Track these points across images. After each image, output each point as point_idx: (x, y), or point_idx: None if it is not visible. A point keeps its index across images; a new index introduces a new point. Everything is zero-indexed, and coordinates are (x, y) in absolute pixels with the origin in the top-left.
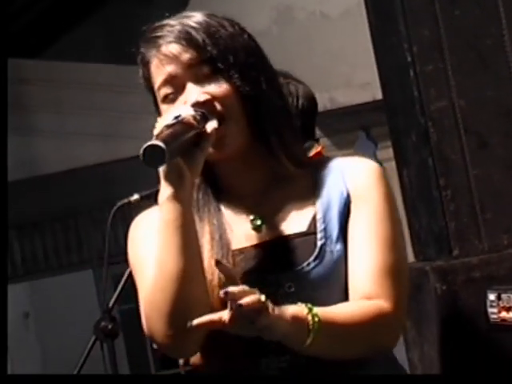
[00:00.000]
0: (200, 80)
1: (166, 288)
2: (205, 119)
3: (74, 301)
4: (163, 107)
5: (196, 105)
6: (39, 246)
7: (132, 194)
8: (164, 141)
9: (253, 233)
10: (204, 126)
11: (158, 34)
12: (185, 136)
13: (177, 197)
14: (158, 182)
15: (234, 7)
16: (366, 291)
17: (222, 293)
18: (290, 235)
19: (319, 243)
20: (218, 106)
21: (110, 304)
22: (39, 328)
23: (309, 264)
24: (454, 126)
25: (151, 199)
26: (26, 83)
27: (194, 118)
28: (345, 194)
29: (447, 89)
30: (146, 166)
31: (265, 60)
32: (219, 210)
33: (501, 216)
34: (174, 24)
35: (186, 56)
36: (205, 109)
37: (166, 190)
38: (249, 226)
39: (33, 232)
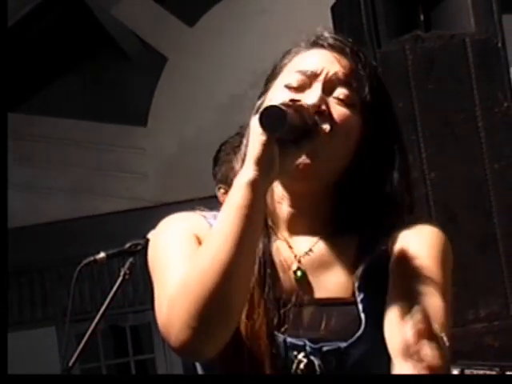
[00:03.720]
0: (335, 96)
1: (209, 275)
2: (318, 120)
3: (34, 357)
4: (282, 89)
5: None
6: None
7: (98, 252)
8: (287, 110)
9: (294, 284)
10: (315, 124)
11: (326, 35)
12: (295, 123)
13: (257, 184)
14: (126, 241)
15: (210, 70)
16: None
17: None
18: (330, 298)
19: (362, 316)
20: (328, 127)
21: (71, 363)
22: None
23: (350, 343)
24: (424, 198)
25: (117, 257)
26: None
27: (310, 113)
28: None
29: (419, 160)
30: (261, 125)
31: (395, 119)
32: (272, 241)
33: (468, 291)
34: (342, 38)
35: (344, 68)
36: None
37: (248, 173)
38: (291, 274)
39: None
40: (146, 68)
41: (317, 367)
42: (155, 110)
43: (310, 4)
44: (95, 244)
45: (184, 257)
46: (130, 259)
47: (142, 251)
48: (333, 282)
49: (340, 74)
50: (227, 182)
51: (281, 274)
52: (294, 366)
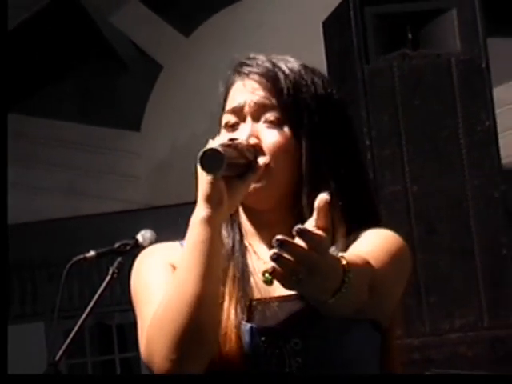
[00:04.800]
0: (263, 122)
1: (179, 309)
2: (256, 154)
3: (22, 351)
4: (222, 132)
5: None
6: None
7: (88, 251)
8: (224, 151)
9: (264, 285)
10: (255, 159)
11: (248, 62)
12: (236, 160)
13: (211, 220)
14: (115, 241)
15: (204, 80)
16: None
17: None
18: (294, 294)
19: None
20: (267, 158)
21: (57, 357)
22: None
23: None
24: (405, 210)
25: (107, 257)
26: None
27: (248, 147)
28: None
29: (402, 174)
30: (202, 168)
31: (344, 128)
32: (244, 253)
33: (444, 301)
34: (265, 60)
35: (263, 95)
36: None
37: (201, 212)
38: (260, 277)
39: None
40: (141, 75)
41: (284, 352)
42: (149, 115)
43: (304, 19)
44: (86, 243)
45: (160, 289)
46: (119, 259)
47: (130, 251)
48: None
49: (262, 100)
50: None
51: (251, 278)
52: (262, 350)
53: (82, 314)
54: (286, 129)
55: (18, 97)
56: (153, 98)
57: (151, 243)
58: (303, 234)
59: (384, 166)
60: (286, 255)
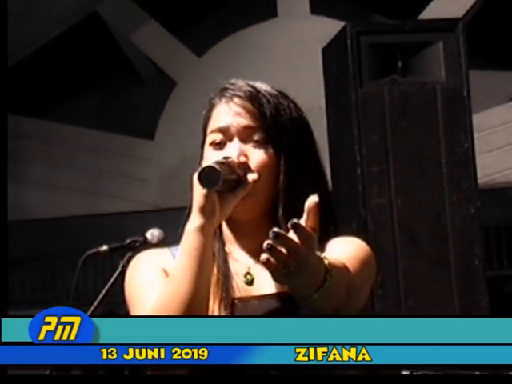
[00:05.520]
0: (250, 142)
1: (174, 306)
2: (245, 171)
3: None
4: (208, 149)
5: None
6: (18, 281)
7: (102, 245)
8: (220, 168)
9: (245, 286)
10: (245, 175)
11: (231, 87)
12: (229, 176)
13: (204, 229)
14: (127, 237)
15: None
16: None
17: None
18: (275, 293)
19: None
20: (255, 175)
21: None
22: None
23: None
24: (390, 221)
25: (119, 252)
26: (24, 138)
27: (239, 165)
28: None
29: (388, 188)
30: (200, 183)
31: (313, 148)
32: (226, 258)
33: (421, 305)
34: (246, 84)
35: (248, 117)
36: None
37: (195, 221)
38: (242, 278)
39: (13, 268)
40: (157, 89)
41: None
42: (162, 126)
43: (304, 45)
44: (101, 239)
45: (153, 289)
46: (129, 253)
47: (140, 247)
48: (274, 283)
49: (248, 123)
50: None
51: (233, 280)
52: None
53: (94, 303)
54: (269, 149)
55: (49, 105)
56: (166, 110)
57: (159, 241)
58: (297, 227)
59: (372, 181)
60: (279, 247)
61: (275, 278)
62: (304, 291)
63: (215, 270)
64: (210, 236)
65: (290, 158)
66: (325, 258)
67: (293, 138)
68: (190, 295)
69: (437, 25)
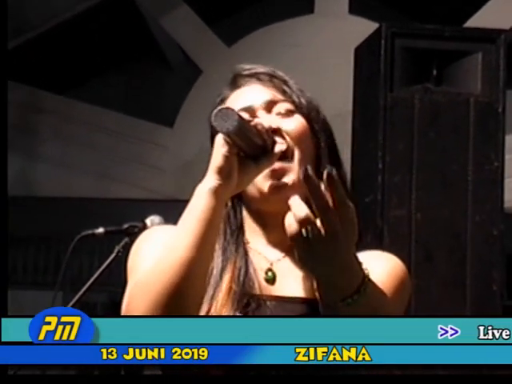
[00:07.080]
0: (277, 113)
1: (167, 272)
2: (274, 140)
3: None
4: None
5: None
6: (20, 260)
7: (97, 227)
8: (243, 121)
9: (265, 284)
10: (273, 144)
11: (249, 67)
12: (253, 137)
13: (217, 192)
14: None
15: None
16: None
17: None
18: (298, 298)
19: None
20: (289, 142)
21: None
22: None
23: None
24: (407, 235)
25: (117, 237)
26: (43, 113)
27: (268, 131)
28: None
29: (408, 200)
30: (213, 124)
31: (336, 145)
32: (246, 249)
33: None
34: (263, 66)
35: (271, 92)
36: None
37: (209, 182)
38: (262, 274)
39: (18, 246)
40: (182, 77)
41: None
42: (183, 115)
43: (338, 45)
44: (109, 223)
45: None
46: (126, 239)
47: (138, 233)
48: (299, 284)
49: (272, 97)
50: None
51: (253, 275)
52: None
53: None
54: (299, 117)
55: (73, 82)
56: (189, 99)
57: None
58: (330, 178)
59: (392, 191)
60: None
61: (299, 251)
62: (331, 292)
63: (232, 261)
64: (222, 202)
65: (326, 134)
66: (366, 268)
67: (319, 116)
68: (189, 260)
69: (478, 34)
